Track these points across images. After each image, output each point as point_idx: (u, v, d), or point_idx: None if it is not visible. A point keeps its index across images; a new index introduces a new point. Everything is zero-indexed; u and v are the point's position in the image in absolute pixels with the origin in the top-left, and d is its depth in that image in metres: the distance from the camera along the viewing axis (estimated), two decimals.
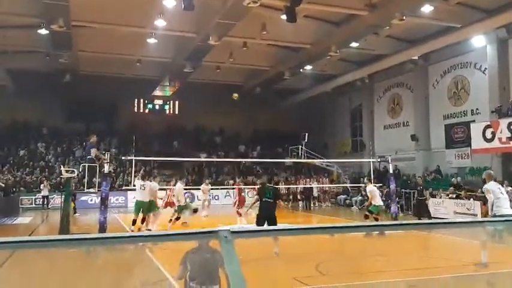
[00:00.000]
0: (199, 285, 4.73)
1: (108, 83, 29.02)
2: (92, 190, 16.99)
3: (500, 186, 9.72)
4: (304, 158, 29.25)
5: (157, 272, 8.32)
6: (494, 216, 9.23)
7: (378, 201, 14.73)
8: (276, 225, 9.94)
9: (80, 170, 17.30)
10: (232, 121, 34.48)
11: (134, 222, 14.25)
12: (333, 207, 26.63)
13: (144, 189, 14.34)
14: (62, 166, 18.75)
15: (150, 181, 14.90)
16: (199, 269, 4.81)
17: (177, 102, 35.47)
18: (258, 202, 10.46)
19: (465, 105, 23.76)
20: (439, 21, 20.48)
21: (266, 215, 9.89)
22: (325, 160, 28.79)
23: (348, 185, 26.71)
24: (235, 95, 17.31)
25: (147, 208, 14.41)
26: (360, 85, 29.98)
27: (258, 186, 11.21)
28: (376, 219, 14.08)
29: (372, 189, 14.84)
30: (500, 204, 9.16)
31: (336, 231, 2.07)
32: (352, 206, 24.86)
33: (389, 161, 18.20)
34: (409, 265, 9.16)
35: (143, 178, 14.98)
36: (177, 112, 35.66)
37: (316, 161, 28.54)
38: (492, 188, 9.37)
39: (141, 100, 34.95)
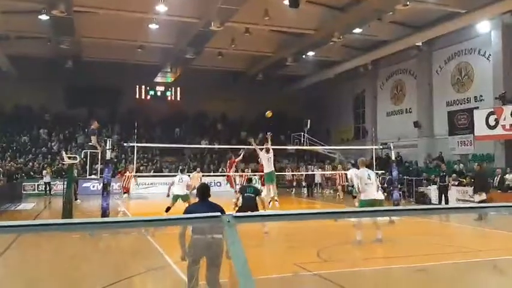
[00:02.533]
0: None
1: (110, 69, 28.93)
2: (93, 176, 17.08)
3: (370, 172, 10.29)
4: (306, 145, 29.21)
5: (160, 257, 8.36)
6: (361, 201, 10.02)
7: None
8: None
9: (82, 157, 17.34)
10: (234, 107, 34.42)
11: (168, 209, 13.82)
12: (335, 194, 26.65)
13: (181, 182, 14.37)
14: (64, 152, 18.75)
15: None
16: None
17: (178, 89, 35.38)
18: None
19: (469, 91, 23.64)
20: (443, 7, 20.24)
21: (247, 207, 10.77)
22: (328, 147, 28.75)
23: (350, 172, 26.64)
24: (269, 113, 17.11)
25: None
26: (363, 71, 29.80)
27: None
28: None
29: (351, 174, 15.05)
30: (367, 190, 9.85)
31: (335, 217, 2.06)
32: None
33: (392, 148, 18.15)
34: (410, 251, 9.20)
35: (182, 171, 15.56)
36: (178, 98, 35.59)
37: (319, 148, 28.50)
38: (361, 173, 10.04)
39: (143, 86, 34.88)
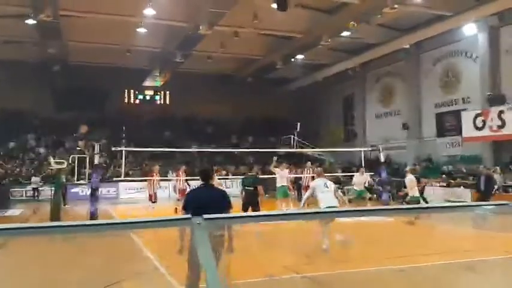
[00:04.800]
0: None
1: (98, 73, 28.75)
2: (82, 182, 16.89)
3: (327, 181, 10.39)
4: (296, 148, 29.25)
5: (149, 261, 8.30)
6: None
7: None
8: (259, 210, 10.90)
9: (70, 161, 17.20)
10: (224, 111, 34.34)
11: None
12: None
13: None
14: (52, 157, 18.57)
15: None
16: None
17: (167, 93, 35.26)
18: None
19: (456, 93, 23.85)
20: (430, 10, 20.44)
21: (248, 201, 10.91)
22: (317, 149, 28.82)
23: (340, 174, 26.72)
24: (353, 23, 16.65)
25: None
26: (352, 74, 29.95)
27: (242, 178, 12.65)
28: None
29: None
30: (324, 199, 9.84)
31: (314, 217, 2.05)
32: (344, 195, 24.90)
33: (381, 150, 18.25)
34: (399, 252, 9.21)
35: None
36: (167, 102, 35.46)
37: (308, 151, 28.55)
38: (318, 183, 10.21)
39: (132, 90, 34.68)
